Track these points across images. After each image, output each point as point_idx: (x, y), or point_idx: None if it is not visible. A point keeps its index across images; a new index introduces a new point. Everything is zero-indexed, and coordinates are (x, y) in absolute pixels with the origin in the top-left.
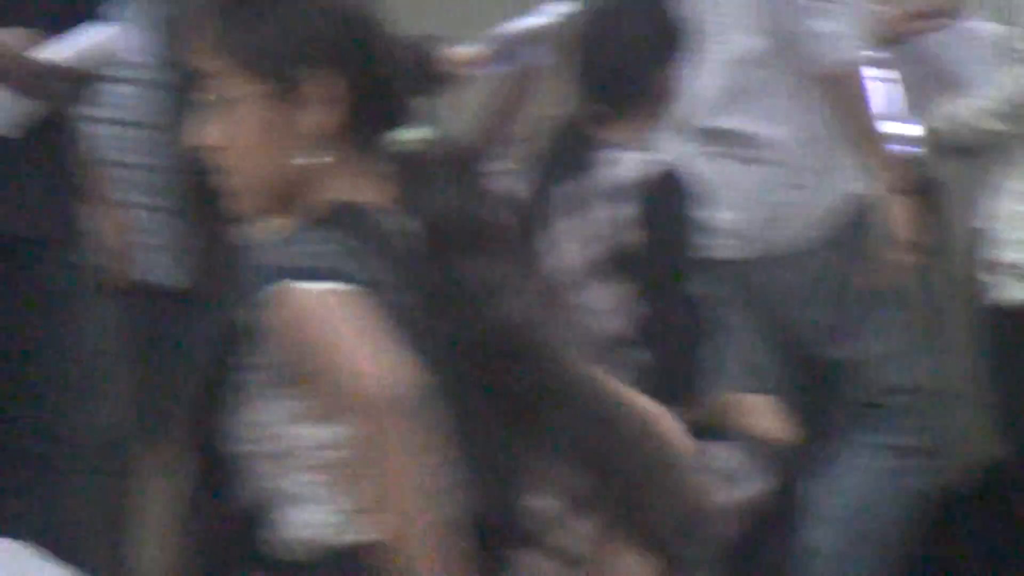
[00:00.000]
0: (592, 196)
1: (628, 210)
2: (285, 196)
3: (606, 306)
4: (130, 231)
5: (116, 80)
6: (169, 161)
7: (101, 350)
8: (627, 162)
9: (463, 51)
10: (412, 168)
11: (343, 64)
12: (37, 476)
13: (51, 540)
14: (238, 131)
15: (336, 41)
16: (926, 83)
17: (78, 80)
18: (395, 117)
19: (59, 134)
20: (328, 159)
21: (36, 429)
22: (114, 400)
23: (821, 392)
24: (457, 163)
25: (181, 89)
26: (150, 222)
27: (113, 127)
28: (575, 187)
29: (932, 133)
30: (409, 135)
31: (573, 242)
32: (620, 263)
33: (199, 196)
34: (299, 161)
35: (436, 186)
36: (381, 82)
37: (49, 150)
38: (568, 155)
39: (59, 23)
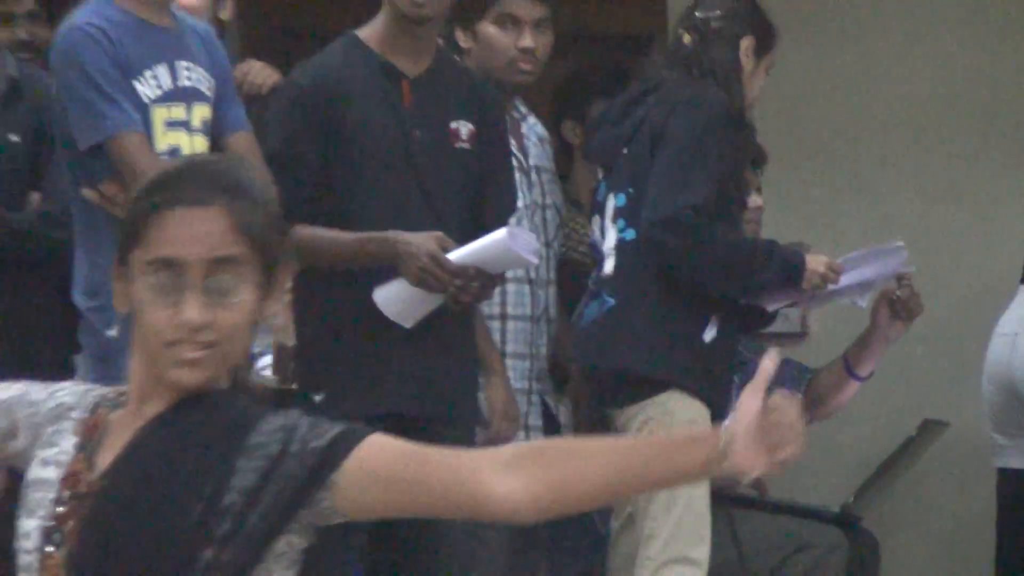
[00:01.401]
0: None
1: None
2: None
3: None
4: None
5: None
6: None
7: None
8: None
9: None
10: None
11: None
12: None
13: None
14: (235, 311)
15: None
16: None
17: (483, 279)
18: None
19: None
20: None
21: None
22: (488, 559)
23: None
24: None
25: (537, 284)
26: (526, 404)
27: (491, 321)
28: None
29: None
30: None
31: None
32: None
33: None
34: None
35: None
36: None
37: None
38: None
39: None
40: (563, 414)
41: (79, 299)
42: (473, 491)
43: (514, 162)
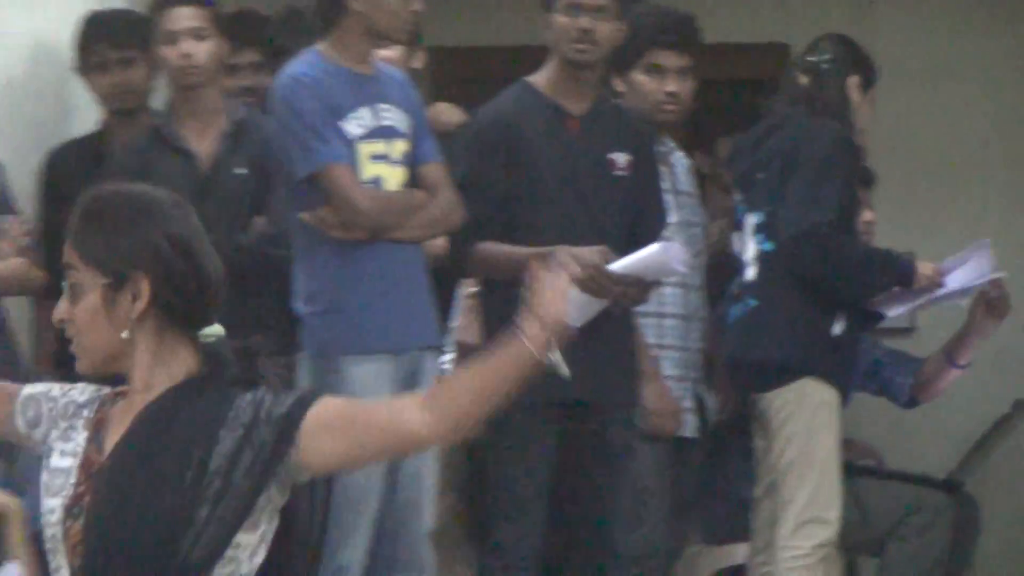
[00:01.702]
0: None
1: None
2: (112, 359)
3: None
4: (670, 396)
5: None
6: (692, 344)
7: (644, 487)
8: None
9: None
10: (207, 353)
11: (152, 272)
12: None
13: None
14: (81, 310)
15: (148, 256)
16: None
17: (641, 285)
18: (194, 316)
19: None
20: (126, 336)
21: (603, 545)
22: (652, 521)
23: None
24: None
25: (688, 288)
26: (680, 390)
27: (650, 318)
28: None
29: None
30: (207, 331)
31: None
32: None
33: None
34: (123, 336)
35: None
36: (180, 289)
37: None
38: None
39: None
40: (710, 399)
41: (299, 306)
42: (403, 431)
43: (666, 186)
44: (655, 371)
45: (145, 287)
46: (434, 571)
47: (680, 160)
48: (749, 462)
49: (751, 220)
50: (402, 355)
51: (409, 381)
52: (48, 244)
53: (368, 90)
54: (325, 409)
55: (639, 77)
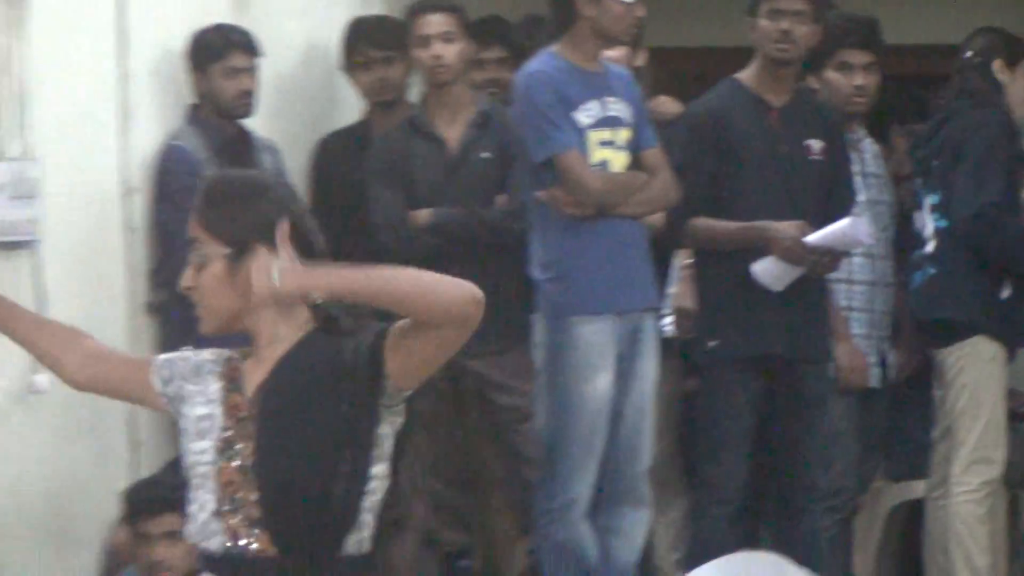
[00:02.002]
0: None
1: None
2: (234, 320)
3: None
4: (858, 354)
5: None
6: (878, 307)
7: (836, 432)
8: None
9: None
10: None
11: (268, 243)
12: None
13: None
14: (207, 277)
15: (265, 229)
16: None
17: (832, 255)
18: None
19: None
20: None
21: (799, 483)
22: (842, 462)
23: None
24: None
25: (875, 258)
26: (867, 347)
27: (840, 284)
28: None
29: None
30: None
31: None
32: None
33: None
34: (246, 300)
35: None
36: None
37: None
38: None
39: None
40: (891, 355)
41: (535, 272)
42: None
43: (856, 168)
44: (845, 331)
45: (263, 256)
46: (651, 504)
47: (869, 146)
48: (928, 409)
49: (929, 201)
50: (625, 316)
51: (631, 339)
52: (319, 218)
53: (596, 85)
54: (394, 330)
55: (831, 74)
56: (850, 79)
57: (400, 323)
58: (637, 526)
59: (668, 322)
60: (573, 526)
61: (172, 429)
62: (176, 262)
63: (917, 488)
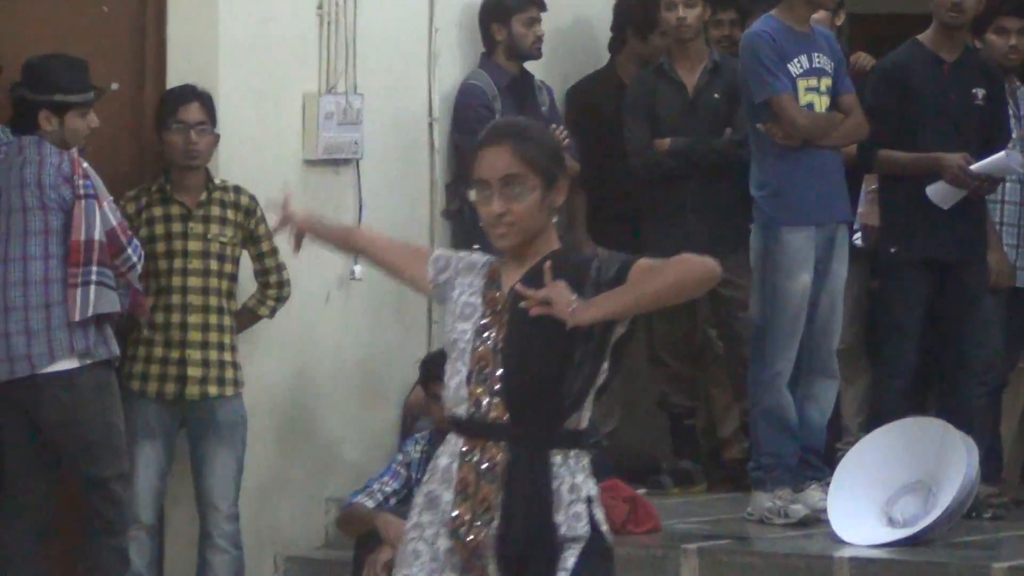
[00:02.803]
0: None
1: None
2: (532, 237)
3: None
4: (1007, 259)
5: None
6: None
7: (989, 320)
8: None
9: None
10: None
11: (566, 179)
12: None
13: None
14: (527, 203)
15: (564, 167)
16: None
17: (991, 180)
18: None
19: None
20: (555, 220)
21: (959, 361)
22: (993, 345)
23: None
24: None
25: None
26: (1014, 254)
27: (995, 204)
28: None
29: None
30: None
31: None
32: None
33: None
34: (554, 220)
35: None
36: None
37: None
38: None
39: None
40: None
41: (753, 190)
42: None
43: (1011, 112)
44: (997, 241)
45: (565, 189)
46: (839, 377)
47: (1023, 93)
48: None
49: None
50: (823, 227)
51: (828, 246)
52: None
53: (805, 42)
54: (640, 268)
55: (990, 36)
56: (1006, 40)
57: (649, 261)
58: (829, 394)
59: (857, 236)
60: (778, 393)
61: None
62: (467, 177)
63: None
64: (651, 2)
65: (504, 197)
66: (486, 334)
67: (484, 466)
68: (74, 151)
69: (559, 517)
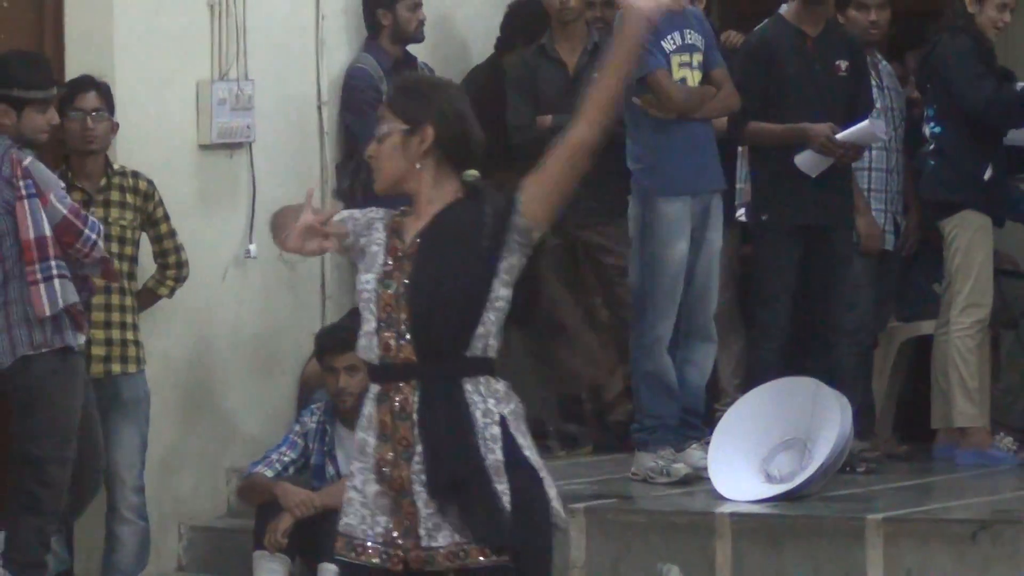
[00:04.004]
0: None
1: None
2: (400, 183)
3: None
4: (875, 224)
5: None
6: (892, 188)
7: (858, 283)
8: None
9: None
10: (468, 185)
11: (436, 125)
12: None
13: None
14: (385, 147)
15: (435, 114)
16: None
17: (856, 148)
18: (460, 161)
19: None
20: (419, 167)
21: (829, 323)
22: (863, 306)
23: None
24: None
25: (889, 151)
26: (882, 219)
27: (862, 171)
28: None
29: None
30: (467, 172)
31: None
32: None
33: None
34: (416, 166)
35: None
36: (454, 140)
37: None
38: None
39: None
40: (903, 225)
41: (630, 163)
42: (575, 147)
43: (874, 82)
44: (865, 207)
45: (430, 134)
46: (716, 339)
47: (884, 66)
48: (935, 265)
49: (927, 112)
50: (698, 196)
51: (703, 214)
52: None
53: (677, 21)
54: (530, 182)
55: (851, 12)
56: (866, 16)
57: (534, 175)
58: (707, 357)
59: (741, 212)
60: (659, 357)
61: (354, 285)
62: (357, 157)
63: (923, 327)
64: (542, 13)
65: (376, 139)
66: (388, 280)
67: (397, 406)
68: (13, 151)
69: (477, 441)
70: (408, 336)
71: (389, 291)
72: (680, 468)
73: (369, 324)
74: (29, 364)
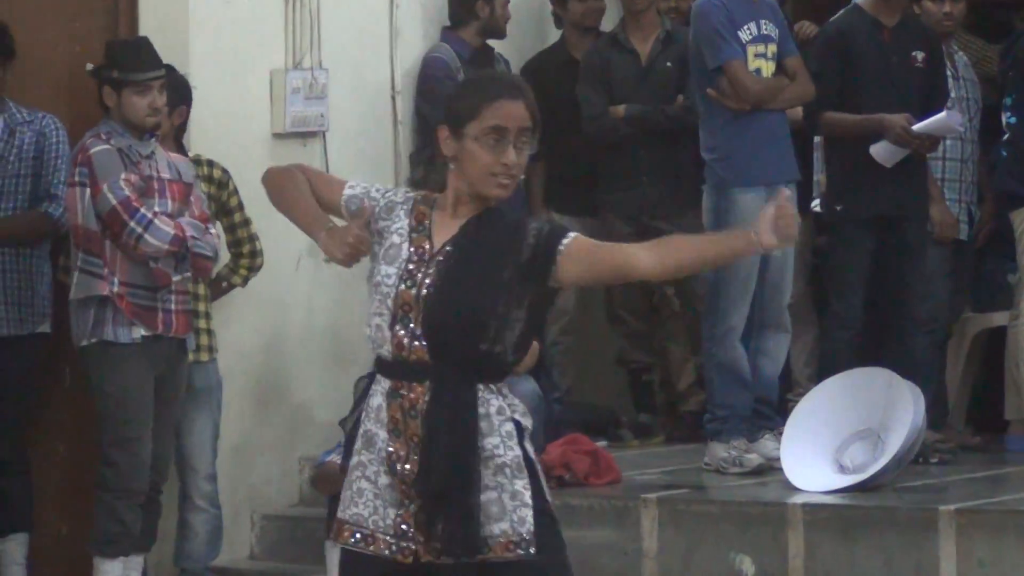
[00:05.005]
0: None
1: None
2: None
3: None
4: (949, 213)
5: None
6: (966, 178)
7: (932, 272)
8: None
9: None
10: None
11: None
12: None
13: None
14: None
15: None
16: None
17: (932, 139)
18: None
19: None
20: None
21: (903, 312)
22: (937, 296)
23: None
24: None
25: (965, 141)
26: (956, 208)
27: (937, 161)
28: None
29: None
30: None
31: None
32: None
33: None
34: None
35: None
36: None
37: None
38: None
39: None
40: (976, 215)
41: (704, 153)
42: (629, 270)
43: (950, 73)
44: (939, 196)
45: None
46: (790, 329)
47: (960, 57)
48: (1009, 255)
49: (1006, 102)
50: (773, 186)
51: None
52: None
53: (753, 10)
54: (578, 245)
55: (926, 3)
56: (940, 7)
57: (588, 243)
58: (781, 347)
59: (816, 203)
60: (732, 348)
61: None
62: (432, 146)
63: (996, 318)
64: None
65: (516, 148)
66: (411, 280)
67: (408, 405)
68: (92, 137)
69: (493, 440)
70: (425, 340)
71: (410, 291)
72: (753, 458)
73: (383, 316)
74: (82, 355)
